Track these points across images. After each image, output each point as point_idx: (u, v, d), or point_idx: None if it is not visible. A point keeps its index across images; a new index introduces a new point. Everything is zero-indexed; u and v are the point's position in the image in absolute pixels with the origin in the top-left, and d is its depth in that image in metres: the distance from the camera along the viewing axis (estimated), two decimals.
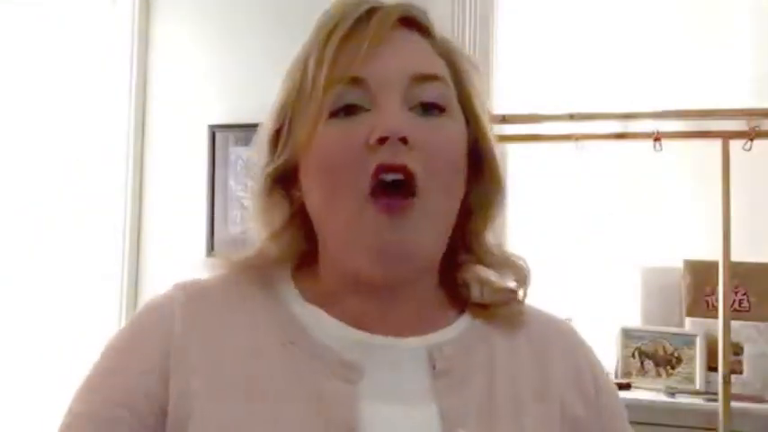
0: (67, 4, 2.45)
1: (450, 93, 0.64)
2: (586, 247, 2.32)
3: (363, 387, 0.62)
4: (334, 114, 0.61)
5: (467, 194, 0.66)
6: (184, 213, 2.61)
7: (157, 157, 2.68)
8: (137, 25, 2.67)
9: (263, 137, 0.69)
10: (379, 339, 0.64)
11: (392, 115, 0.59)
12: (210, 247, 2.57)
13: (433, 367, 0.63)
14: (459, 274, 0.70)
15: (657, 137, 2.02)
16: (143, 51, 2.70)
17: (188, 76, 2.63)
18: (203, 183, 2.58)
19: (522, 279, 0.69)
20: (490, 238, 0.69)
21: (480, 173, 0.67)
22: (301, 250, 0.69)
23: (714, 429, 1.93)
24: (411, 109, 0.61)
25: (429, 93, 0.62)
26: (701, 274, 2.20)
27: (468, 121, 0.66)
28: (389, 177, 0.59)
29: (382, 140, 0.58)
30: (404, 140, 0.59)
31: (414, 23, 0.65)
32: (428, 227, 0.60)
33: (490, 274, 0.70)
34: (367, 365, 0.63)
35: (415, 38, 0.65)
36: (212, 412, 0.60)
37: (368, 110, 0.61)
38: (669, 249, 2.29)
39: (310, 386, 0.61)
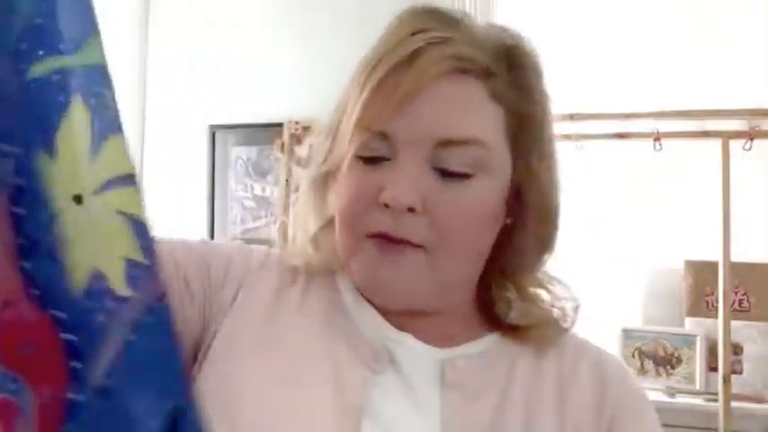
0: None
1: (485, 154, 0.60)
2: (587, 247, 2.32)
3: (382, 379, 0.63)
4: (358, 156, 0.62)
5: (512, 228, 0.65)
6: (184, 213, 2.61)
7: (157, 158, 2.68)
8: (137, 25, 2.67)
9: (322, 135, 0.69)
10: (401, 337, 0.64)
11: (401, 184, 0.58)
12: None
13: (443, 380, 0.64)
14: (499, 294, 0.69)
15: (657, 137, 2.02)
16: (143, 51, 2.71)
17: (188, 76, 2.63)
18: (203, 183, 2.58)
19: (568, 312, 0.68)
20: (536, 271, 0.68)
21: (523, 221, 0.65)
22: None
23: (714, 429, 1.93)
24: (435, 168, 0.60)
25: (454, 160, 0.59)
26: (701, 274, 2.20)
27: (515, 164, 0.63)
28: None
29: (388, 205, 0.59)
30: (411, 209, 0.59)
31: (470, 69, 0.61)
32: (433, 276, 0.60)
33: (532, 302, 0.68)
34: (393, 361, 0.64)
35: (458, 87, 0.60)
36: (225, 362, 0.63)
37: (389, 159, 0.60)
38: (669, 249, 2.29)
39: (335, 369, 0.63)
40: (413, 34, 0.60)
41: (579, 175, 2.27)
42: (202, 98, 2.59)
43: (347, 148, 0.62)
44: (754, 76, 2.28)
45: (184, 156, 2.62)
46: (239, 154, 2.56)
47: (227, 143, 2.57)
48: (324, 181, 0.69)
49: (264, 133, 2.46)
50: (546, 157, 0.65)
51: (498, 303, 0.69)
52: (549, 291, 0.68)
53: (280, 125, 2.38)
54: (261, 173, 2.53)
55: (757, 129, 1.99)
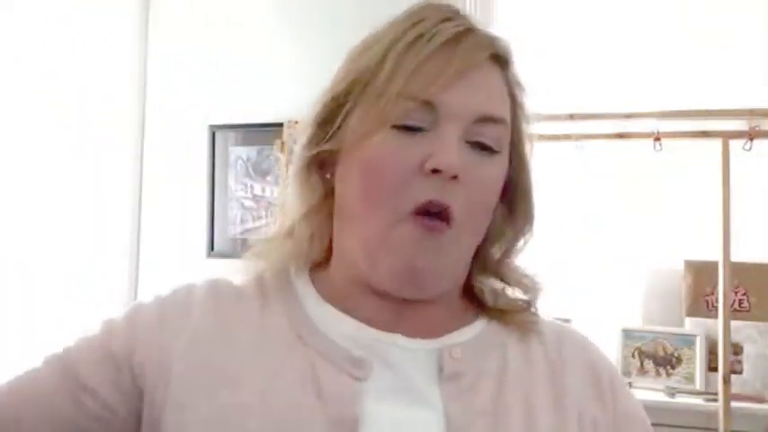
0: (67, 3, 2.45)
1: (506, 135, 0.65)
2: (587, 247, 2.32)
3: (370, 384, 0.62)
4: (394, 126, 0.62)
5: (495, 220, 0.68)
6: (184, 213, 2.61)
7: (157, 157, 2.68)
8: (136, 25, 2.67)
9: (311, 117, 0.68)
10: (391, 338, 0.64)
11: (451, 150, 0.60)
12: (210, 248, 2.57)
13: (441, 372, 0.64)
14: (476, 283, 0.71)
15: (658, 137, 2.03)
16: (143, 51, 2.71)
17: (188, 76, 2.63)
18: (203, 183, 2.58)
19: (535, 295, 0.71)
20: (518, 254, 0.71)
21: (514, 205, 0.69)
22: (328, 237, 0.69)
23: (714, 429, 1.93)
24: (467, 142, 0.62)
25: (488, 135, 0.63)
26: (701, 274, 2.21)
27: (512, 158, 0.67)
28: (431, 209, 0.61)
29: (436, 171, 0.60)
30: (455, 177, 0.60)
31: (497, 57, 0.66)
32: (454, 256, 0.63)
33: (505, 286, 0.72)
34: (376, 363, 0.63)
35: (493, 73, 0.65)
36: (199, 402, 0.61)
37: (427, 130, 0.62)
38: (669, 249, 2.30)
39: (315, 382, 0.62)
40: (443, 21, 0.63)
41: (579, 175, 2.27)
42: (202, 98, 2.59)
43: (372, 119, 0.61)
44: (754, 76, 2.28)
45: (184, 156, 2.62)
46: (239, 154, 2.56)
47: (227, 143, 2.57)
48: (310, 165, 0.68)
49: (264, 133, 2.46)
50: (529, 145, 0.70)
51: (480, 288, 0.71)
52: (525, 275, 0.71)
53: (280, 125, 2.38)
54: (261, 173, 2.53)
55: (757, 129, 1.99)
